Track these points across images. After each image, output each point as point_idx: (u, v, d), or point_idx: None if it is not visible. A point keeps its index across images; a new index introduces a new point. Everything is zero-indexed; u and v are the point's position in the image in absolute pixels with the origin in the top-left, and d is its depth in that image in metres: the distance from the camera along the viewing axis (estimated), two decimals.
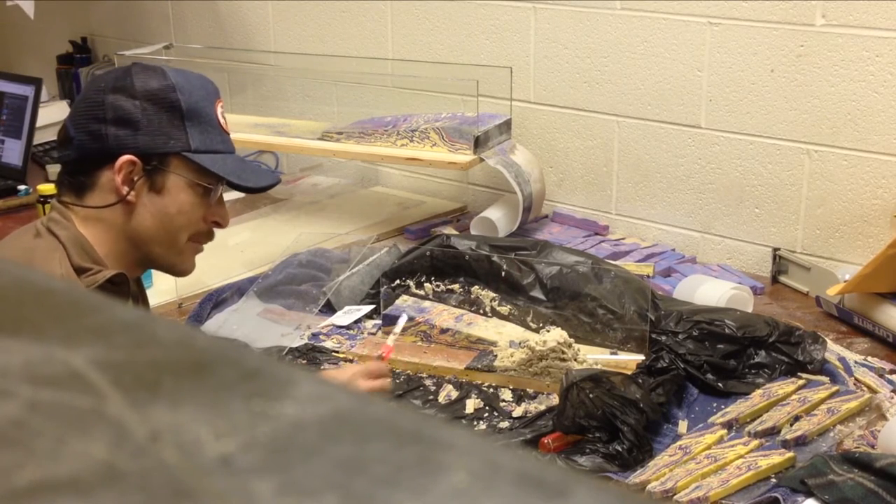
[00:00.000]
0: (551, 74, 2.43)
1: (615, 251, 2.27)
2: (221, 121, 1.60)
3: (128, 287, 1.53)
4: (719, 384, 1.66)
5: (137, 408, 0.34)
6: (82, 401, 0.35)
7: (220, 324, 1.90)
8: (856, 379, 1.68)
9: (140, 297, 1.66)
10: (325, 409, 0.35)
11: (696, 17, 2.18)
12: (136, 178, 1.53)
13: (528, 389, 1.68)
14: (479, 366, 1.74)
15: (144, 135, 1.53)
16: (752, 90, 2.14)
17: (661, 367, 1.63)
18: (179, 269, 1.63)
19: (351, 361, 1.74)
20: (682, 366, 1.65)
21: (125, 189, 1.52)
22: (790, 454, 1.43)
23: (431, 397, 1.67)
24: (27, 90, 2.88)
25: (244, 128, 2.48)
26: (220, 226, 1.63)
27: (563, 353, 1.68)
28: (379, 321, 1.91)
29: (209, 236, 1.63)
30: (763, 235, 2.20)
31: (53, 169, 2.86)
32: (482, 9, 2.51)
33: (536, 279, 1.87)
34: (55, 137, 3.15)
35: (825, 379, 1.65)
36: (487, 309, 1.89)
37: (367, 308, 1.97)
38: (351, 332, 1.91)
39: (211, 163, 1.56)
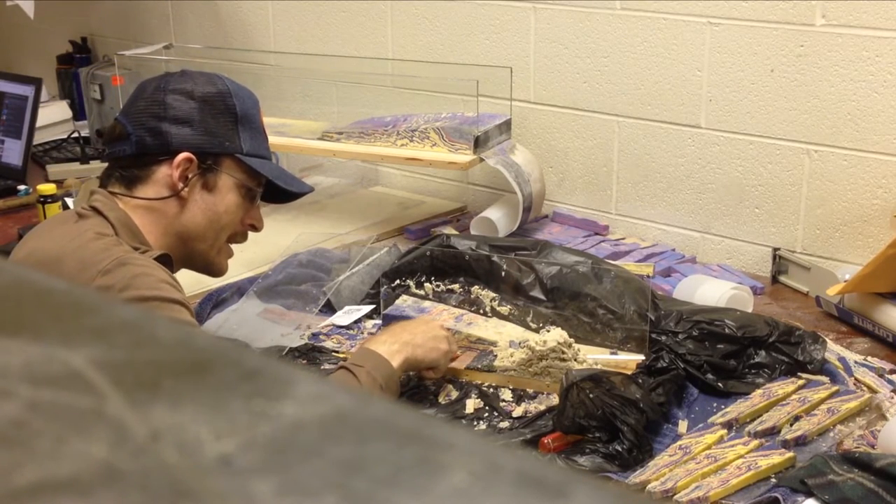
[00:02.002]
0: (551, 74, 2.43)
1: (615, 251, 2.27)
2: (264, 128, 1.70)
3: (171, 269, 1.58)
4: (719, 384, 1.66)
5: (137, 408, 0.34)
6: (82, 401, 0.35)
7: (220, 324, 1.90)
8: (856, 379, 1.68)
9: None
10: (325, 409, 0.35)
11: (696, 17, 2.18)
12: (190, 175, 1.61)
13: (528, 389, 1.68)
14: (479, 366, 1.74)
15: (202, 135, 1.61)
16: (752, 90, 2.14)
17: (661, 367, 1.63)
18: (216, 268, 1.71)
19: None
20: (682, 366, 1.64)
21: (180, 185, 1.60)
22: (790, 454, 1.43)
23: (431, 397, 1.67)
24: (27, 90, 2.88)
25: None
26: (255, 229, 1.72)
27: (563, 353, 1.68)
28: (379, 321, 1.91)
29: (244, 238, 1.73)
30: (763, 235, 2.20)
31: (53, 169, 2.86)
32: (482, 9, 2.51)
33: (536, 279, 1.87)
34: (56, 137, 3.17)
35: (825, 379, 1.65)
36: (487, 309, 1.89)
37: (367, 308, 1.97)
38: (351, 332, 1.91)
39: (259, 166, 1.66)
